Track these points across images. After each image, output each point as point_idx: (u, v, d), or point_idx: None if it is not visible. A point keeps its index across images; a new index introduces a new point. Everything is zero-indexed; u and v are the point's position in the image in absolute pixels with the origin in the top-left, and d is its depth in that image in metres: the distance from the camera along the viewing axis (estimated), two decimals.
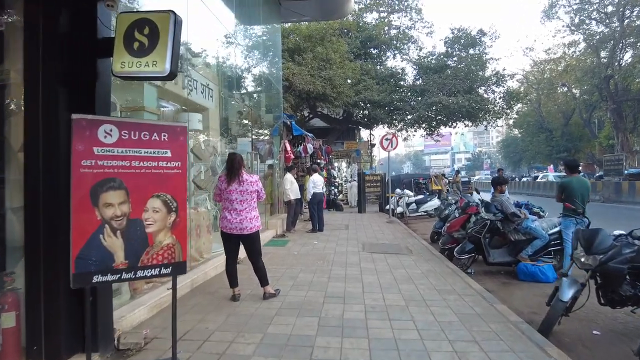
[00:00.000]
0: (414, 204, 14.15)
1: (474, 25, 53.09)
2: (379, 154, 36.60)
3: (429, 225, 11.76)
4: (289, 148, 11.60)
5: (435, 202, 13.92)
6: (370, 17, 24.87)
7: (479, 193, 7.53)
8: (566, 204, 5.21)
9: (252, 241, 4.54)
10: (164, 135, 2.69)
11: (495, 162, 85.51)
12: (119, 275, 2.55)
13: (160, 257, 2.67)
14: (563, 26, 35.10)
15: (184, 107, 7.82)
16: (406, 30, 24.52)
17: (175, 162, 2.72)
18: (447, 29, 30.05)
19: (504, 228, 6.48)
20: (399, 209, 13.92)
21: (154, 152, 2.64)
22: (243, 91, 11.63)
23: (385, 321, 3.87)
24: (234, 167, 4.42)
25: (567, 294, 3.64)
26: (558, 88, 38.83)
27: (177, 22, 3.00)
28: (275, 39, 13.25)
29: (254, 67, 12.47)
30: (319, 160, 14.40)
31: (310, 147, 12.89)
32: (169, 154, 2.70)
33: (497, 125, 35.06)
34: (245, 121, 10.60)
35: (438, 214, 9.32)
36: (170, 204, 2.71)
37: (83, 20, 3.00)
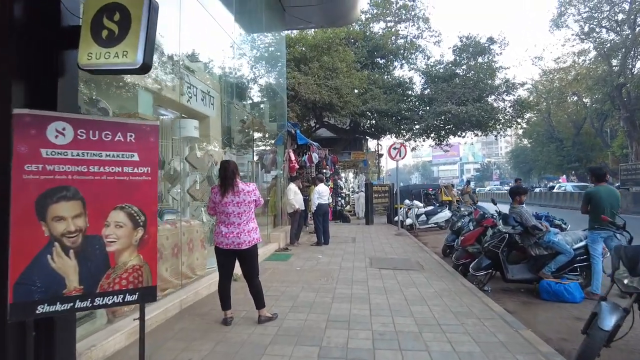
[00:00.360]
0: (423, 216, 13.60)
1: (483, 33, 52.63)
2: (386, 164, 36.17)
3: (440, 238, 11.24)
4: (293, 157, 11.19)
5: (446, 214, 13.42)
6: (377, 27, 24.64)
7: (495, 204, 6.99)
8: (603, 217, 4.68)
9: (249, 257, 4.07)
10: (131, 136, 2.26)
11: (504, 172, 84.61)
12: (71, 304, 2.10)
13: (125, 281, 2.22)
14: (572, 35, 34.58)
15: (183, 115, 7.49)
16: (414, 40, 24.22)
17: (144, 167, 2.28)
18: (455, 38, 29.80)
19: (524, 242, 5.96)
20: (408, 221, 13.38)
21: (117, 156, 2.21)
22: (246, 99, 11.32)
23: (395, 352, 3.37)
24: (227, 176, 3.95)
25: (609, 321, 3.11)
26: (568, 97, 38.18)
27: (153, 7, 2.59)
28: (280, 47, 12.96)
29: (258, 75, 12.17)
30: (324, 170, 13.94)
31: (315, 157, 12.46)
32: (136, 158, 2.26)
33: (507, 135, 34.46)
34: (248, 130, 10.25)
35: (450, 226, 8.80)
36: (137, 217, 2.27)
37: (43, 5, 2.61)
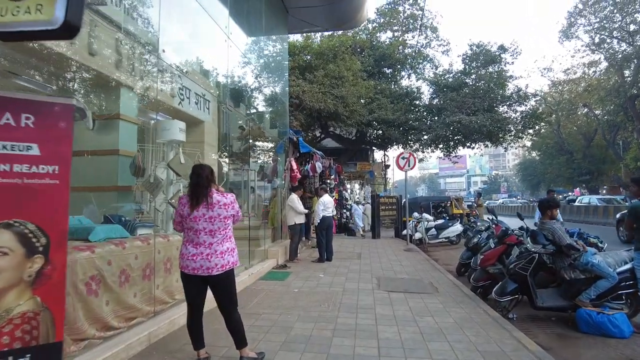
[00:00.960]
0: (433, 230, 12.79)
1: (494, 41, 52.20)
2: (393, 176, 35.39)
3: (452, 254, 10.47)
4: (295, 167, 10.46)
5: (457, 228, 12.62)
6: (384, 36, 24.15)
7: (522, 219, 6.19)
8: None
9: (223, 285, 3.22)
10: (27, 118, 1.52)
11: (512, 185, 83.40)
12: None
13: (7, 337, 1.46)
14: (582, 45, 33.95)
15: (175, 119, 6.84)
16: (421, 49, 23.66)
17: (48, 165, 1.54)
18: (463, 46, 29.34)
19: (556, 264, 5.14)
20: (417, 235, 12.57)
21: (4, 147, 1.48)
22: (245, 104, 10.71)
23: None
24: (199, 184, 3.12)
25: None
26: (578, 109, 37.41)
27: None
28: (283, 50, 12.40)
29: (258, 79, 11.57)
30: (328, 181, 13.20)
31: (319, 166, 11.71)
32: (35, 152, 1.52)
33: (517, 147, 33.60)
34: (247, 137, 9.62)
35: (465, 242, 7.99)
36: (34, 239, 1.52)
37: None
